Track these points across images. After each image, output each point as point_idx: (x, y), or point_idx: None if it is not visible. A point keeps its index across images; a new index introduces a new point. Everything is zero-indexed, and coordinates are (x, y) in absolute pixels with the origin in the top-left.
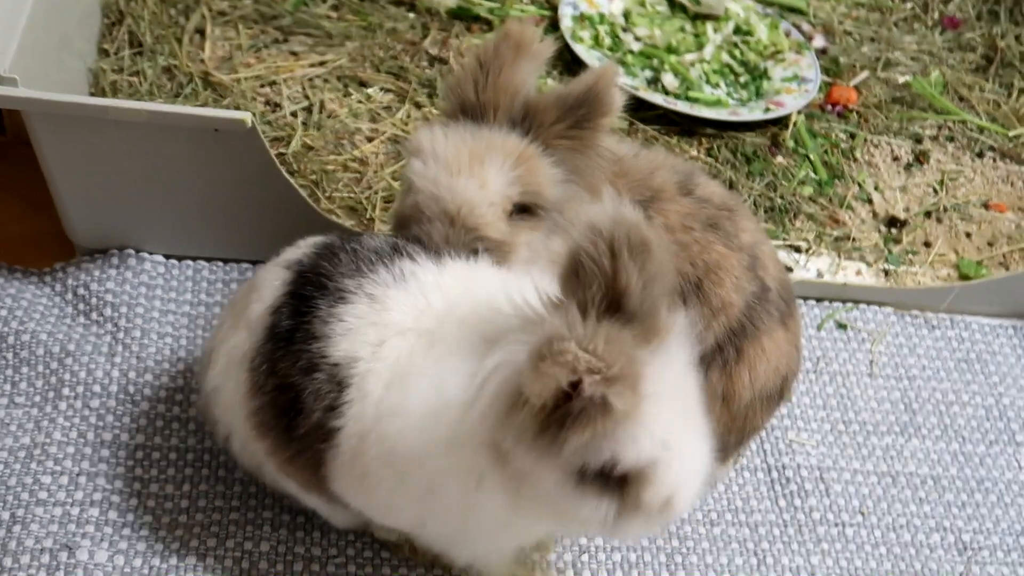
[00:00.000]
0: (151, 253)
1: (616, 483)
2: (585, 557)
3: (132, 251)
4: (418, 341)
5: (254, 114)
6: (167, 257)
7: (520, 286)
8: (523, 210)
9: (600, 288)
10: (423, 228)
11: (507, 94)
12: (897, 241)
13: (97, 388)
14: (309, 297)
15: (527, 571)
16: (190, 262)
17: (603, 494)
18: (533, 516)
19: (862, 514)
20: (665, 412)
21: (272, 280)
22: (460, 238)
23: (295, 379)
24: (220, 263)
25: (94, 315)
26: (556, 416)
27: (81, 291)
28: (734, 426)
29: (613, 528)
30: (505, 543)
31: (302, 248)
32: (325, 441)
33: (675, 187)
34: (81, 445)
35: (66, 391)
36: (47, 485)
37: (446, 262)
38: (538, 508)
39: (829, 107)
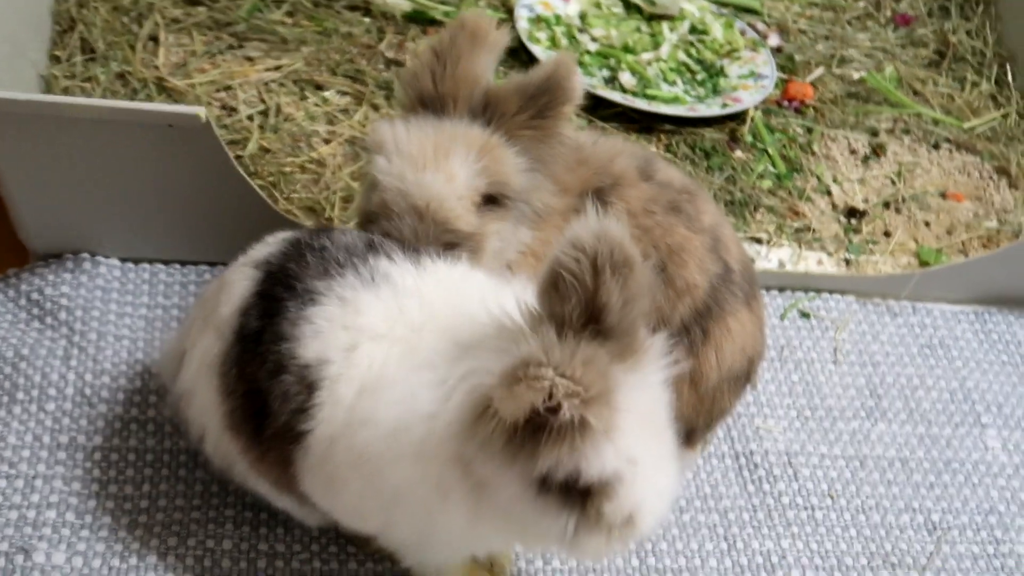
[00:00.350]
0: (107, 257)
1: (578, 496)
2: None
3: (87, 255)
4: (392, 348)
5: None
6: (123, 261)
7: (500, 294)
8: (490, 200)
9: (579, 304)
10: (392, 224)
11: (466, 85)
12: (857, 231)
13: (52, 391)
14: (278, 298)
15: (484, 573)
16: (147, 265)
17: (564, 507)
18: (494, 528)
19: (831, 497)
20: (634, 429)
21: (241, 280)
22: (430, 232)
23: (262, 382)
24: (178, 265)
25: (48, 320)
26: (527, 430)
27: (35, 296)
28: (702, 408)
29: (573, 543)
30: (463, 551)
31: (270, 245)
32: (294, 443)
33: (635, 173)
34: (37, 448)
35: (20, 395)
36: (2, 489)
37: (425, 263)
38: (499, 519)
39: (786, 103)
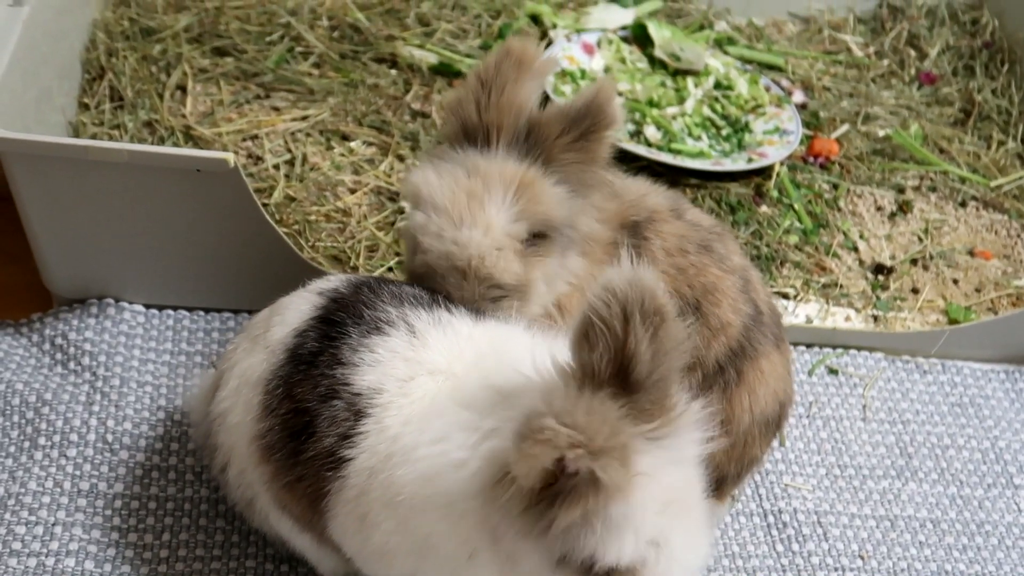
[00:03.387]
0: (131, 303)
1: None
2: None
3: (111, 300)
4: (444, 384)
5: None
6: (147, 307)
7: (542, 348)
8: (536, 236)
9: (608, 352)
10: (439, 284)
11: (510, 113)
12: (885, 288)
13: (74, 437)
14: (339, 323)
15: None
16: (171, 311)
17: None
18: None
19: (862, 558)
20: (658, 505)
21: (299, 305)
22: (475, 290)
23: (311, 404)
24: (201, 312)
25: (72, 364)
26: (545, 496)
27: (59, 341)
28: (734, 454)
29: None
30: None
31: (335, 281)
32: (333, 469)
33: (668, 210)
34: (57, 495)
35: (42, 440)
36: (21, 535)
37: (481, 318)
38: None
39: (811, 159)
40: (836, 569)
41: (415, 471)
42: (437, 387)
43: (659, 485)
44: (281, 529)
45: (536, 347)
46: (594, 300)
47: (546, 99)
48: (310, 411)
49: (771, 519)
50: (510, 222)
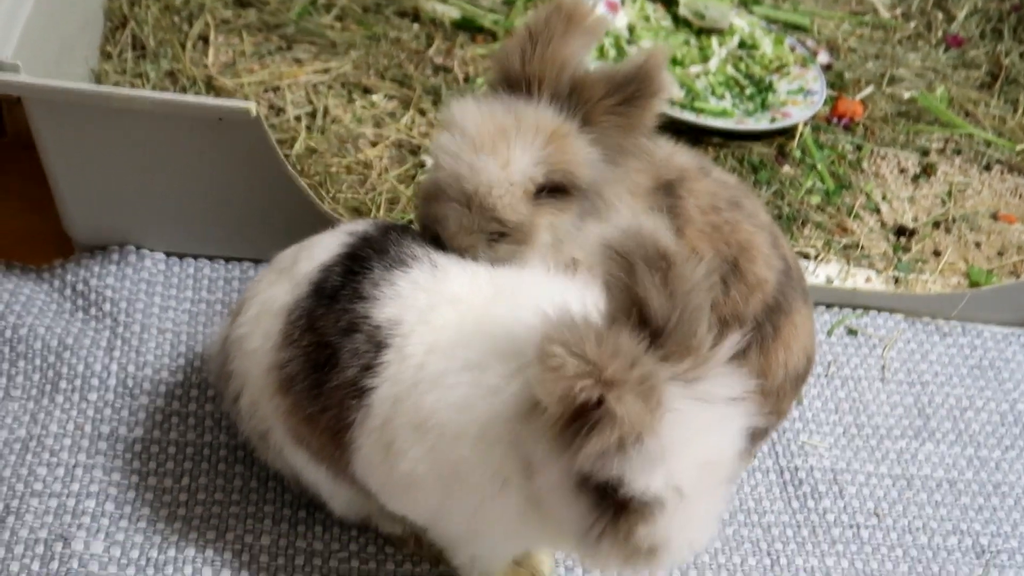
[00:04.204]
0: (152, 250)
1: (613, 506)
2: None
3: (132, 248)
4: (469, 313)
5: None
6: (168, 255)
7: (564, 291)
8: (554, 189)
9: (624, 304)
10: (440, 208)
11: (554, 67)
12: (906, 250)
13: (95, 382)
14: (364, 258)
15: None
16: (191, 260)
17: (596, 508)
18: (538, 524)
19: (877, 516)
20: (693, 457)
21: (328, 242)
22: (476, 220)
23: (333, 338)
24: (222, 261)
25: (93, 311)
26: (573, 424)
27: (80, 287)
28: (766, 407)
29: (590, 549)
30: (512, 548)
31: (365, 223)
32: (356, 398)
33: (696, 168)
34: (78, 437)
35: (63, 384)
36: (43, 476)
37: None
38: (540, 512)
39: (835, 120)
40: (851, 526)
41: (447, 398)
42: (460, 316)
43: (694, 429)
44: (296, 462)
45: (559, 286)
46: (605, 258)
47: None
48: (332, 344)
49: (787, 476)
50: (531, 164)
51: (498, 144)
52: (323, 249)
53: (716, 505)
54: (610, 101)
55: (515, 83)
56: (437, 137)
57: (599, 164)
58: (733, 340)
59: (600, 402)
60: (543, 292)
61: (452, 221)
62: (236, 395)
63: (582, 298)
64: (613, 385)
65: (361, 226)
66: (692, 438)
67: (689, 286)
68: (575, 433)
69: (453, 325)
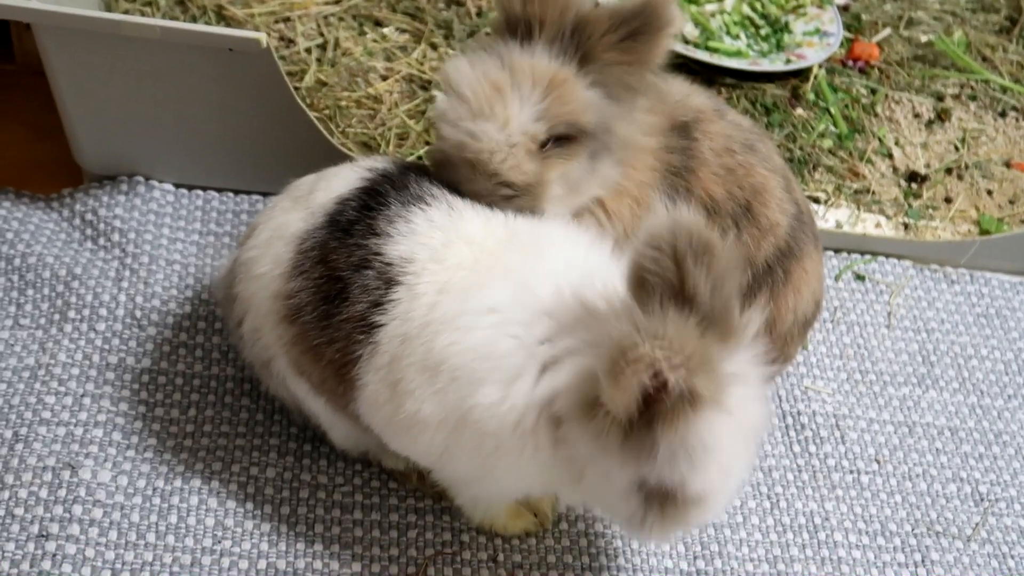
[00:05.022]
0: (160, 181)
1: (664, 495)
2: None
3: (141, 179)
4: (482, 257)
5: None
6: (177, 186)
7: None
8: (560, 139)
9: (669, 296)
10: (452, 175)
11: (555, 6)
12: (917, 196)
13: (103, 312)
14: (382, 194)
15: (526, 519)
16: (200, 192)
17: (648, 502)
18: (562, 482)
19: (878, 462)
20: (736, 436)
21: (347, 175)
22: (484, 185)
23: (344, 272)
24: (230, 194)
25: (101, 240)
26: (642, 421)
27: (89, 216)
28: (774, 352)
29: (642, 529)
30: (518, 492)
31: (385, 161)
32: (364, 334)
33: (711, 110)
34: (86, 367)
35: (72, 314)
36: (51, 405)
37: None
38: (573, 479)
39: (851, 62)
40: (851, 471)
41: (463, 341)
42: (474, 257)
43: (739, 407)
44: (298, 392)
45: (573, 238)
46: (641, 253)
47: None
48: (343, 278)
49: (789, 420)
50: (531, 120)
51: (495, 105)
52: (342, 181)
53: (749, 461)
54: (613, 37)
55: (514, 25)
56: (438, 102)
57: (603, 104)
58: (757, 315)
59: (674, 389)
60: (557, 247)
61: (464, 187)
62: (240, 319)
63: (596, 258)
64: (696, 370)
65: (381, 163)
66: (735, 420)
67: (728, 269)
68: (645, 431)
69: (468, 265)
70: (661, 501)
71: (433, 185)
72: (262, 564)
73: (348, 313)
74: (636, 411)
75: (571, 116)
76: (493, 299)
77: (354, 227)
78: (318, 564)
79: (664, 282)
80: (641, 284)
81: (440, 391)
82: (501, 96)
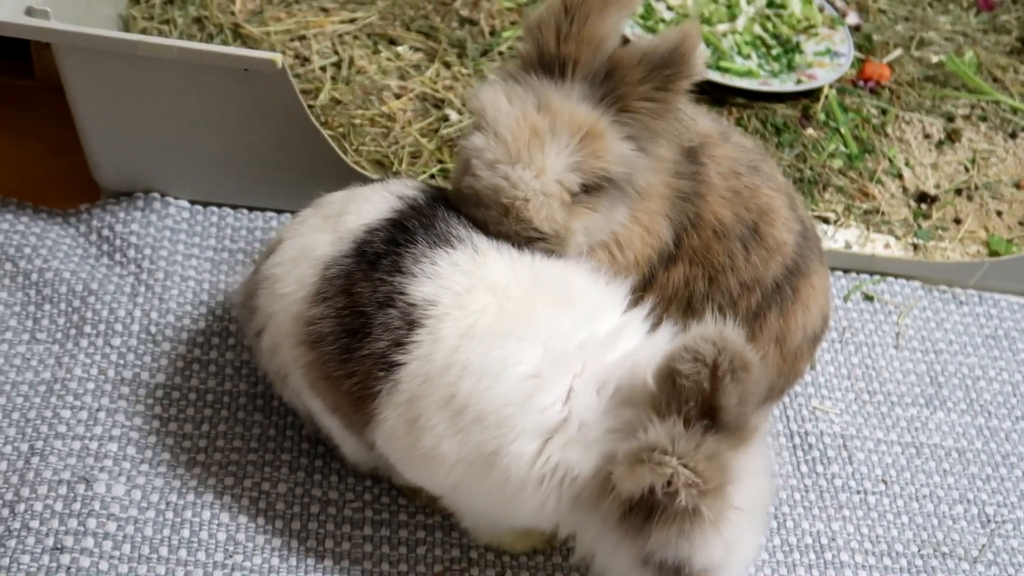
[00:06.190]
0: (176, 198)
1: (676, 569)
2: None
3: (157, 195)
4: (507, 304)
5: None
6: (192, 202)
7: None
8: (588, 187)
9: (696, 404)
10: (479, 213)
11: (591, 47)
12: (927, 216)
13: (119, 327)
14: (410, 230)
15: (533, 537)
16: (215, 208)
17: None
18: (578, 535)
19: (885, 483)
20: (741, 517)
21: (378, 201)
22: (513, 228)
23: (368, 307)
24: (245, 210)
25: (117, 256)
26: (640, 508)
27: (105, 232)
28: (785, 368)
29: None
30: (528, 525)
31: (415, 188)
32: (384, 371)
33: (716, 134)
34: (101, 382)
35: (88, 329)
36: (66, 419)
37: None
38: (589, 540)
39: (861, 83)
40: (858, 492)
41: (493, 388)
42: (498, 305)
43: (743, 496)
44: (312, 407)
45: (596, 287)
46: (680, 357)
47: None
48: (366, 313)
49: (797, 440)
50: (566, 170)
51: (533, 151)
52: (372, 208)
53: (760, 529)
54: (647, 86)
55: (548, 62)
56: (471, 138)
57: (632, 156)
58: (766, 415)
59: (682, 505)
60: (582, 297)
61: (491, 227)
62: (258, 331)
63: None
64: (708, 495)
65: (412, 191)
66: (740, 501)
67: (757, 388)
68: (643, 517)
69: (491, 312)
70: (675, 573)
71: (460, 225)
72: None
73: (370, 349)
74: (639, 498)
75: (605, 169)
76: (524, 352)
77: (381, 261)
78: None
79: (696, 390)
80: (671, 382)
81: (462, 431)
82: (540, 142)
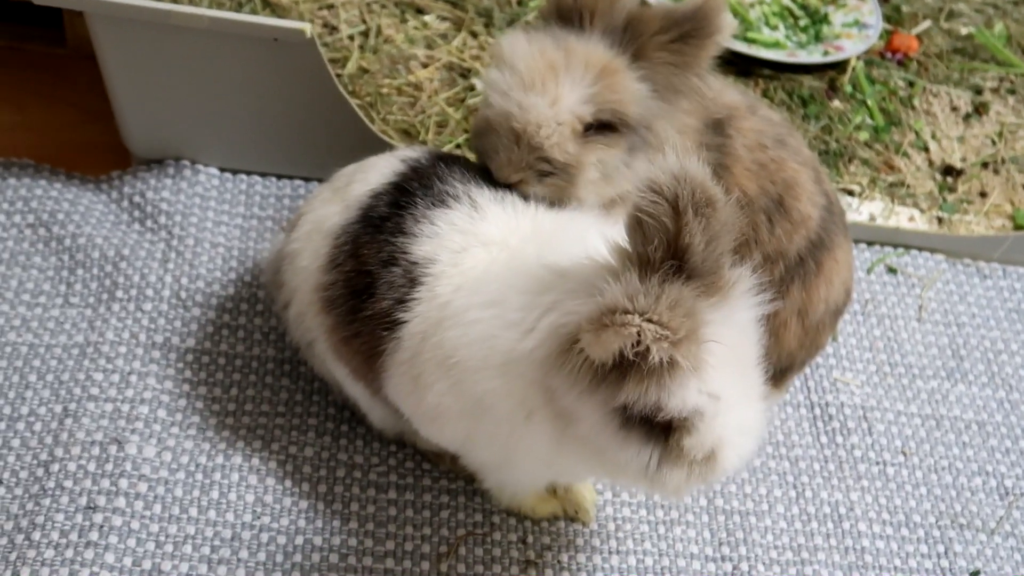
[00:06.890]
0: (206, 165)
1: (660, 430)
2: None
3: (188, 162)
4: (499, 254)
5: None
6: (222, 170)
7: (598, 232)
8: (603, 126)
9: (662, 245)
10: (490, 141)
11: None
12: (952, 190)
13: (150, 292)
14: (411, 192)
15: (553, 504)
16: (244, 176)
17: (646, 441)
18: (576, 457)
19: (904, 454)
20: (719, 364)
21: (383, 167)
22: (524, 157)
23: (372, 267)
24: (274, 178)
25: (148, 223)
26: (613, 368)
27: (137, 199)
28: (806, 342)
29: (654, 478)
30: (544, 477)
31: (419, 151)
32: (388, 329)
33: (744, 107)
34: (133, 346)
35: (119, 294)
36: (99, 382)
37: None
38: (582, 449)
39: (889, 55)
40: (878, 463)
41: (469, 334)
42: (490, 257)
43: (720, 345)
44: (337, 374)
45: (595, 229)
46: (641, 196)
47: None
48: (371, 273)
49: (818, 411)
50: (579, 102)
51: (547, 81)
52: (377, 174)
53: (754, 414)
54: (664, 37)
55: (567, 15)
56: (488, 72)
57: (649, 100)
58: (747, 272)
59: (656, 359)
60: (579, 236)
61: (502, 157)
62: (286, 304)
63: (606, 236)
64: (680, 344)
65: (414, 153)
66: (718, 349)
67: (724, 228)
68: (616, 378)
69: (481, 266)
70: (663, 434)
71: (458, 181)
72: (299, 540)
73: (374, 308)
74: (611, 362)
75: (618, 105)
76: (496, 292)
77: (385, 223)
78: (353, 541)
79: (660, 228)
80: (638, 226)
81: (456, 384)
82: (554, 74)
